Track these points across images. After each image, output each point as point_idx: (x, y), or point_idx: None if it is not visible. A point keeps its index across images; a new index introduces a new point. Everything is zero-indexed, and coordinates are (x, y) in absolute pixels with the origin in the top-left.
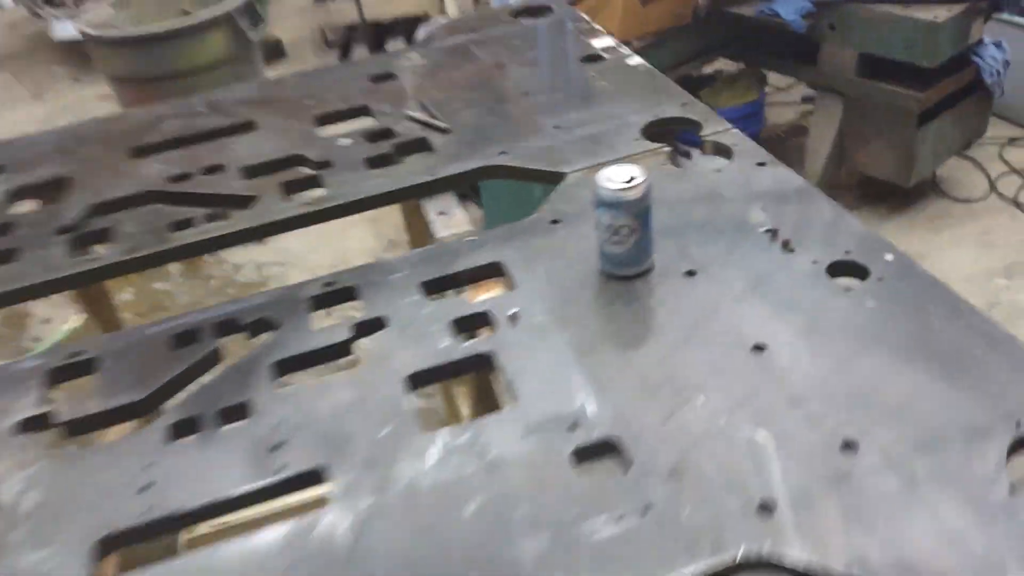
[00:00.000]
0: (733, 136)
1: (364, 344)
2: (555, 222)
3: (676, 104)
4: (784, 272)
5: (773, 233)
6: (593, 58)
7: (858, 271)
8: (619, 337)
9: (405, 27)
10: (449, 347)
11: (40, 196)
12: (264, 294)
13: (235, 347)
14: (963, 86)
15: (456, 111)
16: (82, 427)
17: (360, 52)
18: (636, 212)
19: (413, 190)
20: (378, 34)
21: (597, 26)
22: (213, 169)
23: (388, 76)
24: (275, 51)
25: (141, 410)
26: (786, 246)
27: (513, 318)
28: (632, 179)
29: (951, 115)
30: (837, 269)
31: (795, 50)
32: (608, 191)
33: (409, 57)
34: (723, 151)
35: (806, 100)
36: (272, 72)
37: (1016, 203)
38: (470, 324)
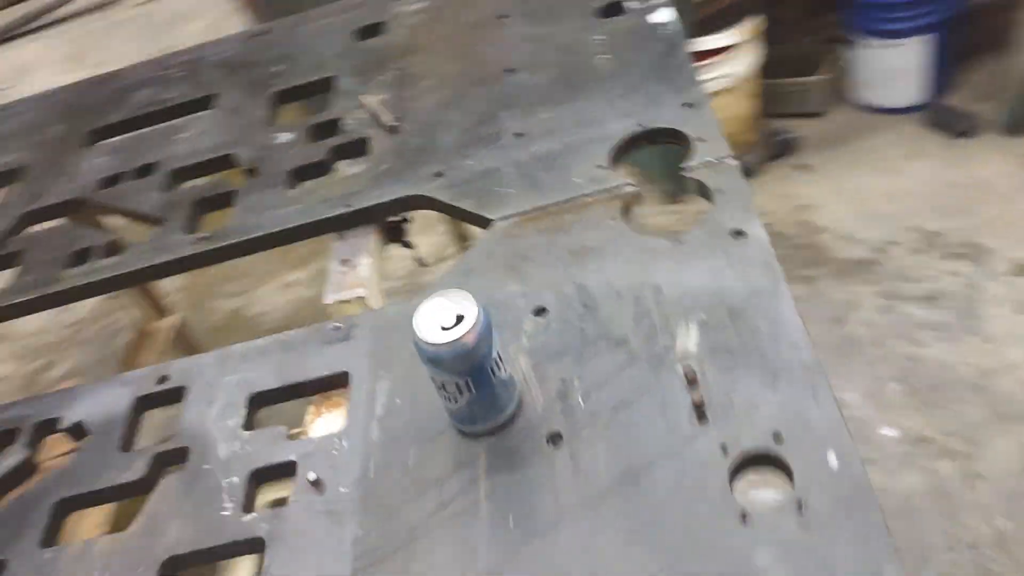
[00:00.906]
0: (727, 174)
1: (151, 499)
2: None
3: (676, 104)
4: (676, 462)
5: (691, 382)
6: (612, 9)
7: (781, 469)
8: (413, 551)
9: None
10: (228, 519)
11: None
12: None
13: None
14: None
15: (420, 95)
16: None
17: None
18: (462, 369)
19: (324, 224)
20: None
21: None
22: (146, 170)
23: (376, 29)
24: None
25: None
26: (700, 410)
27: (316, 484)
28: (458, 321)
29: None
30: (753, 461)
31: None
32: (423, 343)
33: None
34: (704, 193)
35: None
36: None
37: None
38: (276, 475)
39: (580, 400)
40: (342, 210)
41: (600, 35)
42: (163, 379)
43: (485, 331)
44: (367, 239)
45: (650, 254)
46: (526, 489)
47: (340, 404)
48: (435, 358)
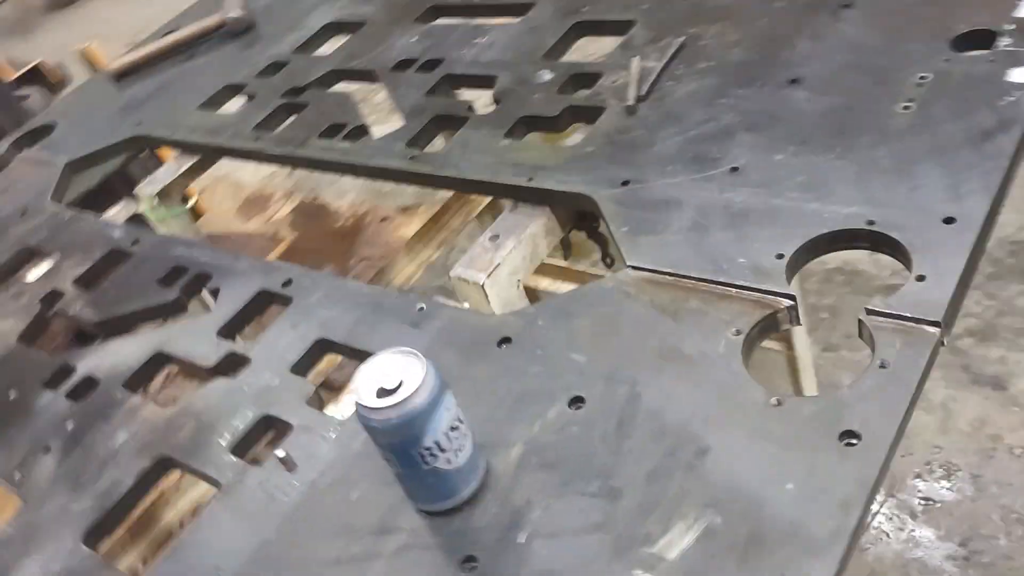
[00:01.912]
0: (914, 345)
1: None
2: (505, 341)
3: (940, 210)
4: None
5: None
6: (974, 41)
7: None
8: None
9: None
10: (216, 449)
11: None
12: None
13: None
14: None
15: (687, 77)
16: None
17: None
18: (382, 443)
19: (502, 189)
20: None
21: None
22: (429, 65)
23: None
24: None
25: None
26: None
27: (285, 462)
28: (397, 387)
29: None
30: None
31: None
32: (359, 404)
33: None
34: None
35: None
36: None
37: None
38: (272, 429)
39: (522, 537)
40: (521, 181)
41: (927, 72)
42: (288, 283)
43: (420, 411)
44: (535, 221)
45: (731, 401)
46: None
47: None
48: (366, 423)
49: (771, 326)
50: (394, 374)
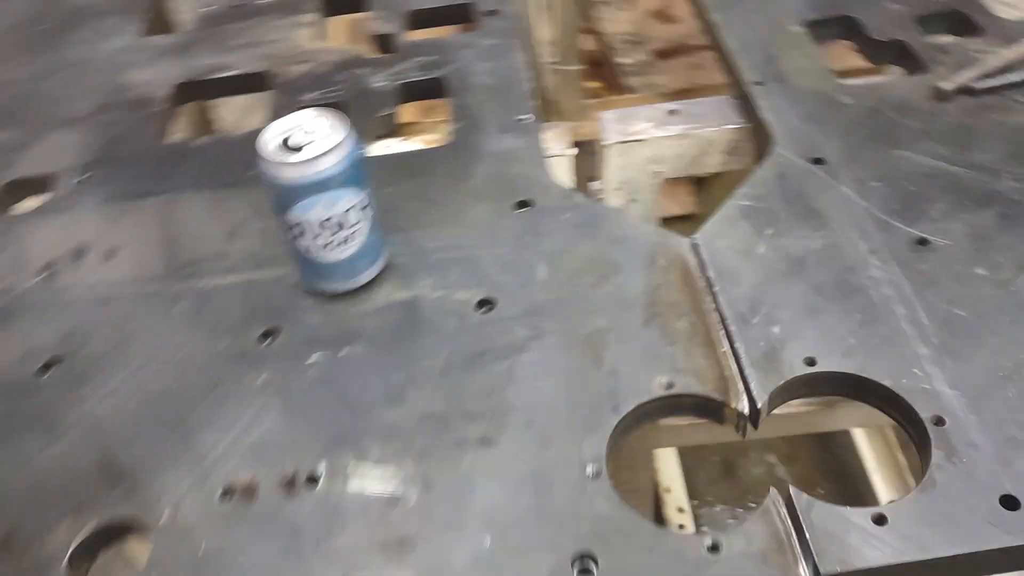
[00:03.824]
0: None
1: None
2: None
3: None
4: None
5: None
6: None
7: None
8: None
9: None
10: None
11: None
12: None
13: None
14: None
15: None
16: None
17: None
18: (268, 196)
19: None
20: None
21: None
22: None
23: None
24: None
25: None
26: None
27: None
28: (299, 149)
29: None
30: None
31: None
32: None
33: None
34: None
35: None
36: None
37: None
38: None
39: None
40: None
41: None
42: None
43: (278, 184)
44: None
45: None
46: None
47: None
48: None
49: None
50: (311, 136)
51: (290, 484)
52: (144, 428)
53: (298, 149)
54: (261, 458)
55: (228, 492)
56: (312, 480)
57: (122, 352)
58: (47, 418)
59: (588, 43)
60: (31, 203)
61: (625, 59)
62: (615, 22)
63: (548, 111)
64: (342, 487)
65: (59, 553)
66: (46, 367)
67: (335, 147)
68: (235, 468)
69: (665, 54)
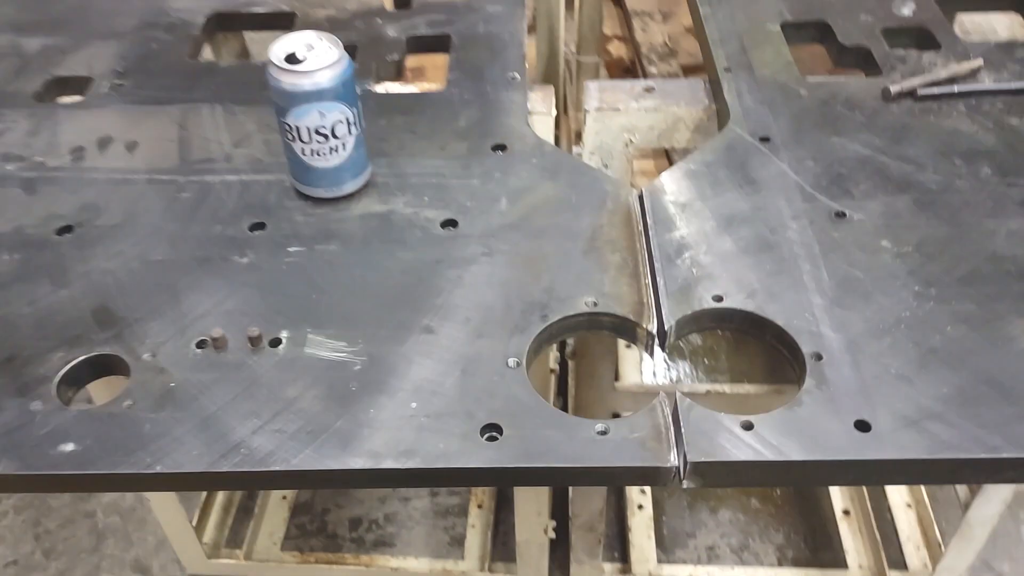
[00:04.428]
0: None
1: None
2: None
3: None
4: None
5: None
6: None
7: None
8: None
9: None
10: None
11: None
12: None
13: None
14: None
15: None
16: None
17: None
18: (277, 105)
19: None
20: None
21: None
22: None
23: None
24: None
25: None
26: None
27: None
28: (303, 60)
29: None
30: None
31: None
32: (268, 59)
33: None
34: None
35: None
36: None
37: None
38: None
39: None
40: None
41: None
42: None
43: (283, 89)
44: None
45: None
46: None
47: None
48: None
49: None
50: (312, 50)
51: (256, 341)
52: (139, 287)
53: (300, 61)
54: (235, 321)
55: (202, 343)
56: (275, 342)
57: (130, 225)
58: (58, 269)
59: (622, 50)
60: (71, 99)
61: (653, 68)
62: (651, 33)
63: (559, 97)
64: (299, 351)
65: (51, 375)
66: (64, 230)
67: (330, 65)
68: (211, 325)
69: (691, 70)
